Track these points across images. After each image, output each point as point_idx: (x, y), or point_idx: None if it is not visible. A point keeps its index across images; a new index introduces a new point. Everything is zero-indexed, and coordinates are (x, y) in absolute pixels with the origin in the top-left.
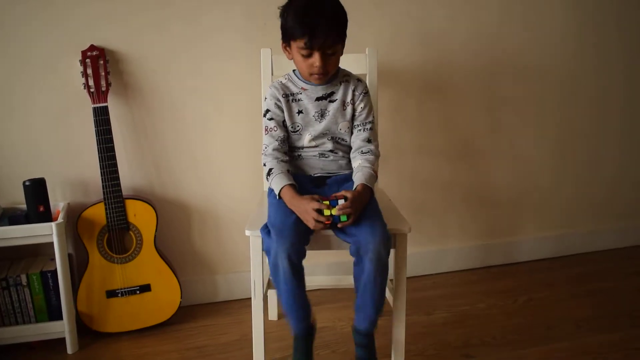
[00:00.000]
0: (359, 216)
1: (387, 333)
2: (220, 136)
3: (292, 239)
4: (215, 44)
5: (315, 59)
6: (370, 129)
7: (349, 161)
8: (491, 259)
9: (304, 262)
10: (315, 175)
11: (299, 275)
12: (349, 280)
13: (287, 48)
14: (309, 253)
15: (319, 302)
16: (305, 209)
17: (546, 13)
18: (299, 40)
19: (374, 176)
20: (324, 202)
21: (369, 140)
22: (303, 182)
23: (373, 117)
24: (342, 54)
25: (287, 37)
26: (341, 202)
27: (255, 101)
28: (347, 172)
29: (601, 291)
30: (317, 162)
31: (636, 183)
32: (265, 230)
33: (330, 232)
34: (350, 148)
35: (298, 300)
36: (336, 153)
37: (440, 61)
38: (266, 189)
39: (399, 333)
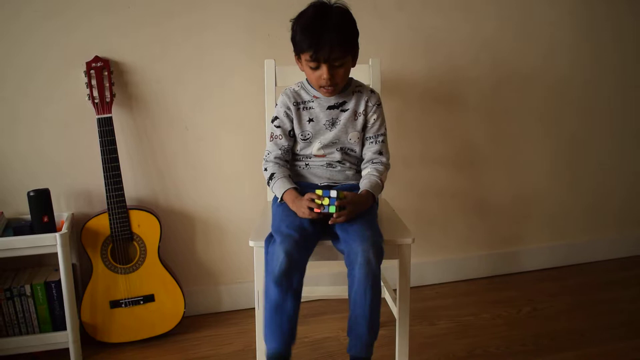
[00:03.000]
0: (351, 223)
1: (390, 344)
2: (224, 147)
3: (296, 240)
4: (219, 55)
5: (323, 71)
6: (382, 141)
7: (357, 172)
8: (494, 269)
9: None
10: (322, 184)
11: (292, 290)
12: None
13: (299, 60)
14: (312, 263)
15: (322, 312)
16: (302, 203)
17: (545, 22)
18: (306, 53)
19: (379, 185)
20: (317, 191)
21: (380, 153)
22: (309, 190)
23: (385, 129)
24: (353, 65)
25: (297, 50)
26: (334, 192)
27: (258, 112)
28: (353, 182)
29: (604, 301)
30: (324, 172)
31: (637, 192)
32: (269, 240)
33: (329, 243)
34: (358, 159)
35: (284, 314)
36: (344, 164)
37: (442, 71)
38: (270, 199)
39: (403, 344)
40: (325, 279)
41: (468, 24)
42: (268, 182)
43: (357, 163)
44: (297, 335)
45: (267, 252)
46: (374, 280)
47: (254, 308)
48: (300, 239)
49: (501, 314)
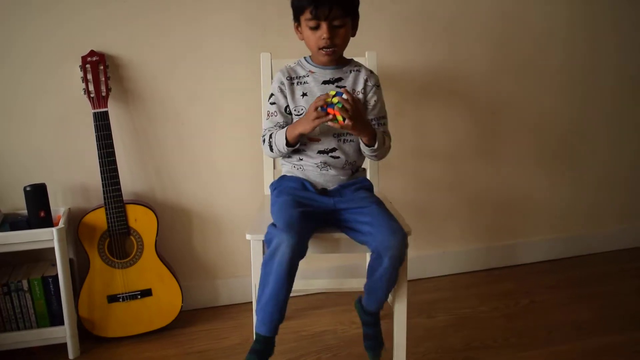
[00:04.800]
0: (378, 218)
1: (388, 336)
2: (221, 141)
3: (299, 232)
4: (215, 49)
5: (323, 30)
6: (384, 124)
7: (353, 174)
8: (492, 262)
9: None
10: (320, 187)
11: (290, 277)
12: (350, 284)
13: (299, 28)
14: (311, 256)
15: (320, 305)
16: (309, 110)
17: (546, 14)
18: (306, 12)
19: (383, 139)
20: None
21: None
22: (308, 187)
23: (386, 112)
24: (353, 34)
25: (297, 13)
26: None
27: (255, 106)
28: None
29: (602, 294)
30: (317, 175)
31: (635, 185)
32: (272, 226)
33: (343, 236)
34: (356, 152)
35: (278, 302)
36: (338, 158)
37: (440, 64)
38: (267, 192)
39: (401, 336)
40: (324, 273)
41: (467, 17)
42: (270, 148)
43: (352, 162)
44: (296, 329)
45: (268, 234)
46: (400, 266)
47: (251, 302)
48: (304, 231)
49: (499, 306)
